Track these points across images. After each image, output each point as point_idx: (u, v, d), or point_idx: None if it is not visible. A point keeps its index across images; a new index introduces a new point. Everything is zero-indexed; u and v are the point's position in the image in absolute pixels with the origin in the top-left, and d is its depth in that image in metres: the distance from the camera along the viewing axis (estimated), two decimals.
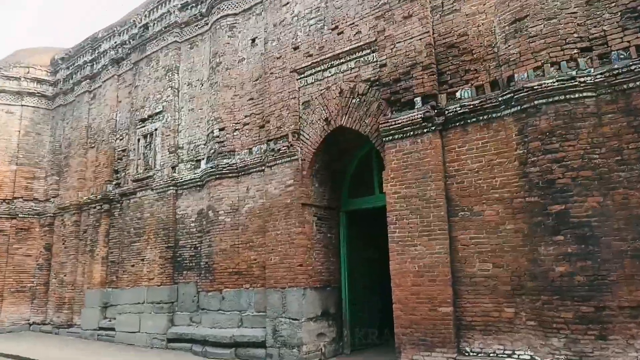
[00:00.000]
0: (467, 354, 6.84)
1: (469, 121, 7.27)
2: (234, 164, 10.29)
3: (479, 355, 6.74)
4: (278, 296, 8.97)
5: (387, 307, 11.48)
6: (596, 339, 5.76)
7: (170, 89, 12.17)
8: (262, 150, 9.95)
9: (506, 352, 6.54)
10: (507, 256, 6.69)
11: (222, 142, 10.51)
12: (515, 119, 6.79)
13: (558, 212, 6.18)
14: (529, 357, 6.32)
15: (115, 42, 14.52)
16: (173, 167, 11.78)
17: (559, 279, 6.08)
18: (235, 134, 10.49)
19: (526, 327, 6.42)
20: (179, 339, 10.73)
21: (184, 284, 11.14)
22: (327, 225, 9.55)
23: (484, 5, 7.36)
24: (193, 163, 11.50)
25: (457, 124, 7.38)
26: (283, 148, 9.32)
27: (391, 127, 7.82)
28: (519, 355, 6.43)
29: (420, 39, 7.75)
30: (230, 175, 10.30)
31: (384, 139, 7.96)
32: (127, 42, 13.95)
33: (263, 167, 9.83)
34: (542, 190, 6.35)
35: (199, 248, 10.89)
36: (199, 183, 11.18)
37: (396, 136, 7.81)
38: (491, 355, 6.64)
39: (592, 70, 6.32)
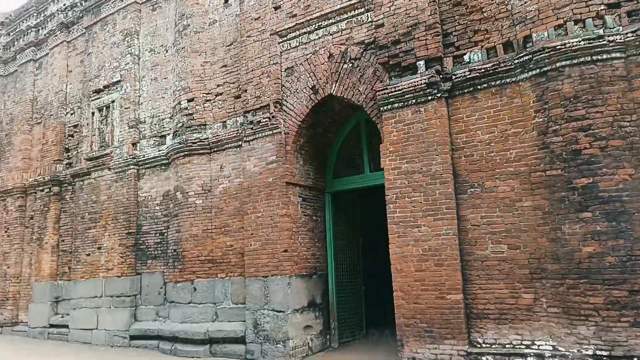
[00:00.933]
0: (479, 345, 6.16)
1: (479, 87, 6.50)
2: (205, 139, 9.16)
3: (493, 346, 6.06)
4: (259, 286, 8.02)
5: (377, 295, 10.82)
6: (630, 326, 5.17)
7: (129, 55, 10.80)
8: (239, 123, 8.87)
9: (524, 342, 5.89)
10: (524, 236, 6.01)
11: (191, 114, 9.33)
12: (533, 83, 6.07)
13: (585, 186, 5.53)
14: (550, 348, 5.69)
15: (64, 5, 12.89)
16: (134, 144, 10.49)
17: (586, 260, 5.44)
18: (206, 105, 9.34)
19: (548, 314, 5.78)
20: (143, 336, 9.59)
21: (149, 274, 9.97)
22: (312, 208, 8.63)
23: None
24: (157, 139, 10.26)
25: (466, 90, 6.60)
26: (263, 120, 8.28)
27: (390, 94, 6.96)
28: (539, 346, 5.79)
29: None
30: (201, 151, 9.17)
31: (381, 108, 7.09)
32: (79, 4, 12.38)
33: (240, 142, 8.77)
34: (566, 162, 5.68)
35: (166, 234, 9.73)
36: (164, 161, 9.97)
37: (396, 105, 6.96)
38: (507, 346, 5.97)
39: (620, 28, 5.66)
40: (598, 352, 5.29)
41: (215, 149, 9.16)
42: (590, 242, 5.44)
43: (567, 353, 5.51)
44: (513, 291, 6.01)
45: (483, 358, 5.98)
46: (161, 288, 9.72)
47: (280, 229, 7.92)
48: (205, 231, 8.97)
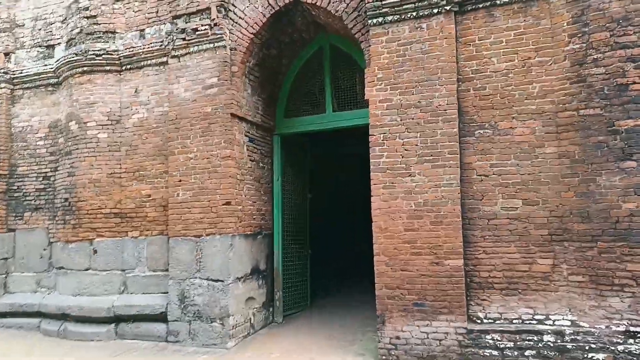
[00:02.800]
0: (479, 321, 5.03)
1: (497, 2, 5.16)
2: (114, 51, 6.82)
3: (497, 322, 4.97)
4: (189, 248, 6.12)
5: (326, 260, 9.43)
6: None
7: None
8: (163, 33, 6.66)
9: (537, 317, 4.86)
10: (544, 190, 4.90)
11: (94, 17, 6.86)
12: (568, 0, 4.87)
13: (630, 130, 4.50)
14: (568, 323, 4.72)
15: None
16: (6, 55, 7.66)
17: (626, 219, 4.47)
18: (116, 6, 6.92)
19: (568, 283, 4.77)
20: (17, 313, 7.20)
21: (26, 231, 7.47)
22: (259, 152, 6.84)
23: None
24: (42, 49, 7.56)
25: (480, 5, 5.21)
26: (202, 29, 6.20)
27: (383, 3, 5.35)
28: (554, 320, 4.79)
29: None
30: (107, 68, 6.83)
31: (370, 21, 5.46)
32: None
33: (164, 59, 6.60)
34: (608, 100, 4.60)
35: (53, 178, 7.29)
36: (52, 80, 7.39)
37: (389, 17, 5.38)
38: (515, 322, 4.91)
39: None
40: (632, 329, 4.40)
41: (129, 66, 6.86)
42: (633, 198, 4.45)
43: (592, 329, 4.56)
44: (527, 256, 4.92)
45: (487, 337, 4.86)
46: (45, 250, 7.32)
47: (222, 175, 6.05)
48: (111, 175, 6.75)
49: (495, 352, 4.81)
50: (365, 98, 5.53)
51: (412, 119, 5.25)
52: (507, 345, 4.78)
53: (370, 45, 5.51)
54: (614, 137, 4.56)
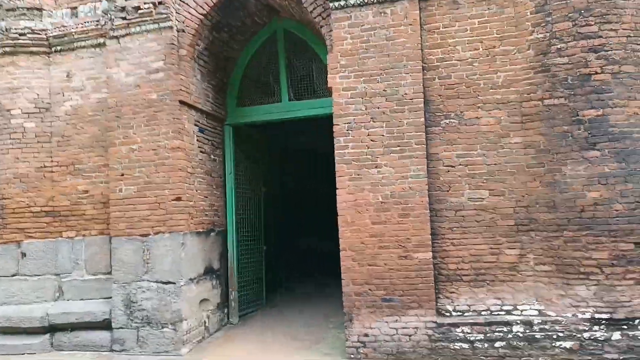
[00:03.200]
0: (448, 314, 4.94)
1: None
2: (41, 30, 6.04)
3: (466, 314, 4.90)
4: (135, 248, 5.57)
5: (280, 257, 9.03)
6: (636, 284, 4.42)
7: None
8: (100, 11, 5.97)
9: (504, 307, 4.84)
10: (510, 180, 4.88)
11: None
12: None
13: (593, 120, 4.55)
14: (536, 313, 4.74)
15: None
16: None
17: (591, 208, 4.52)
18: None
19: (535, 273, 4.79)
20: None
21: None
22: (210, 143, 6.35)
23: None
24: None
25: None
26: (145, 7, 5.60)
27: None
28: (522, 310, 4.79)
29: None
30: (34, 49, 6.05)
31: (331, 3, 5.16)
32: None
33: (102, 40, 5.93)
34: (572, 90, 4.62)
35: None
36: None
37: (351, 1, 5.11)
38: (483, 313, 4.86)
39: None
40: (597, 316, 4.47)
41: (59, 48, 6.11)
42: (596, 187, 4.51)
43: (559, 318, 4.59)
44: (494, 247, 4.88)
45: (457, 330, 4.78)
46: None
47: (171, 168, 5.53)
48: (41, 169, 6.01)
49: (465, 345, 4.74)
50: (327, 86, 5.24)
51: (378, 108, 5.03)
52: (477, 338, 4.72)
53: (332, 30, 5.22)
54: (578, 126, 4.59)
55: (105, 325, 5.64)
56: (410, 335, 4.85)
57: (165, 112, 5.55)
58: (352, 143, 5.07)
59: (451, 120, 5.03)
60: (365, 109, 5.06)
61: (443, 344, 4.78)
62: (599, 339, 4.45)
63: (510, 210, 4.86)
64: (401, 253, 4.90)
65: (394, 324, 4.88)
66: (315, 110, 6.38)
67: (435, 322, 4.80)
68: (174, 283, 5.44)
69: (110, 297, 5.65)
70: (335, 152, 5.12)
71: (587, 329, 4.49)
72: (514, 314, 4.79)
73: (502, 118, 4.92)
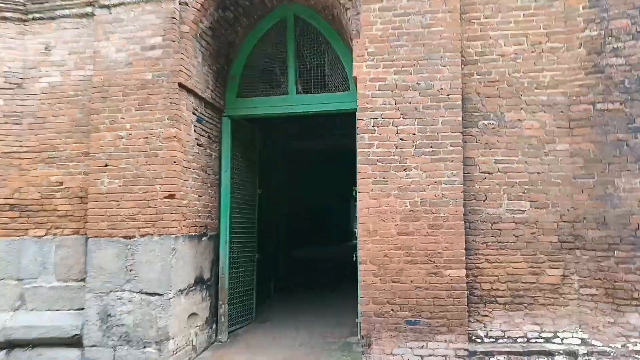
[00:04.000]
0: (479, 340, 4.35)
1: None
2: None
3: (500, 341, 4.33)
4: (116, 252, 4.76)
5: (272, 266, 8.25)
6: None
7: None
8: None
9: (543, 335, 4.29)
10: (555, 191, 4.37)
11: None
12: None
13: None
14: (578, 342, 4.21)
15: None
16: None
17: None
18: None
19: (580, 297, 4.27)
20: None
21: None
22: (207, 136, 5.62)
23: None
24: None
25: None
26: None
27: None
28: (562, 339, 4.26)
29: None
30: (7, 15, 5.19)
31: None
32: None
33: (89, 8, 5.15)
34: (628, 94, 4.16)
35: None
36: None
37: None
38: (519, 340, 4.30)
39: None
40: None
41: (38, 15, 5.27)
42: None
43: (606, 349, 4.08)
44: (534, 265, 4.34)
45: (492, 359, 4.19)
46: None
47: (164, 160, 4.77)
48: (7, 155, 5.13)
49: None
50: (353, 75, 4.63)
51: (409, 103, 4.44)
52: None
53: (359, 14, 4.62)
54: (634, 135, 4.12)
55: (75, 342, 4.79)
56: None
57: (161, 96, 4.80)
58: (378, 141, 4.46)
59: (490, 121, 4.49)
60: (395, 104, 4.46)
61: None
62: None
63: (554, 225, 4.34)
64: (431, 269, 4.29)
65: (419, 351, 4.25)
66: (326, 105, 5.76)
67: (467, 350, 4.20)
68: (161, 295, 4.65)
69: (83, 309, 4.80)
70: (358, 150, 4.49)
71: None
72: (554, 342, 4.25)
73: (547, 122, 4.42)
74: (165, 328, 4.61)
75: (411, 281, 4.30)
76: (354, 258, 6.65)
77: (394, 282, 4.33)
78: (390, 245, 4.35)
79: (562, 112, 4.39)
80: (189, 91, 5.07)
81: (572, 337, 4.23)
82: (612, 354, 4.04)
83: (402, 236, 4.35)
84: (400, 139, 4.43)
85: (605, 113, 4.22)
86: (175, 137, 4.78)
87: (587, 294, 4.23)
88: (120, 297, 4.71)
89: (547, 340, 4.27)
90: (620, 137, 4.15)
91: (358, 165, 4.48)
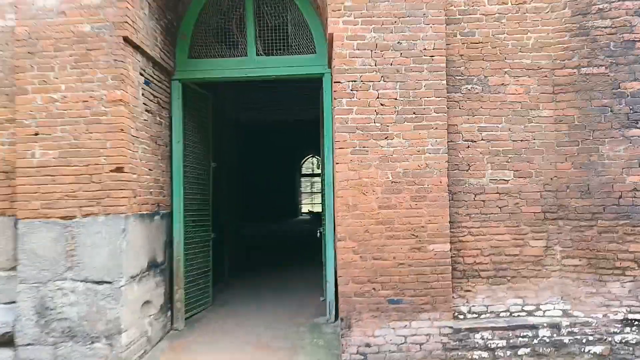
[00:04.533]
0: (462, 316, 4.16)
1: None
2: None
3: (483, 315, 4.17)
4: (54, 235, 4.06)
5: (225, 245, 7.65)
6: None
7: None
8: None
9: (526, 307, 4.18)
10: (538, 159, 4.20)
11: None
12: None
13: (636, 93, 4.00)
14: (560, 313, 4.14)
15: None
16: None
17: (630, 194, 3.98)
18: None
19: (562, 268, 4.17)
20: None
21: None
22: (157, 101, 4.93)
23: None
24: None
25: None
26: None
27: None
28: (545, 311, 4.16)
29: None
30: None
31: None
32: None
33: None
34: (614, 58, 4.02)
35: None
36: None
37: None
38: (502, 314, 4.16)
39: None
40: (630, 316, 3.97)
41: None
42: (638, 170, 3.98)
43: (588, 319, 4.02)
44: (517, 237, 4.19)
45: (476, 336, 4.01)
46: None
47: (109, 128, 4.08)
48: None
49: (485, 354, 3.99)
50: (328, 32, 4.15)
51: (391, 64, 4.06)
52: (498, 345, 4.00)
53: None
54: (619, 100, 4.01)
55: (6, 340, 4.08)
56: (421, 344, 3.99)
57: (102, 52, 4.08)
58: (357, 107, 4.05)
59: (474, 85, 4.22)
60: (375, 65, 4.05)
61: (460, 352, 3.99)
62: (630, 342, 3.94)
63: (537, 195, 4.19)
64: (414, 244, 4.01)
65: (402, 330, 4.00)
66: (290, 69, 5.26)
67: (452, 327, 4.00)
68: (110, 282, 4.04)
69: (15, 302, 4.09)
70: (335, 116, 4.07)
71: (618, 331, 3.97)
72: (536, 315, 4.14)
73: (531, 87, 4.21)
74: (117, 320, 4.02)
75: (393, 257, 4.00)
76: (319, 234, 6.36)
77: (375, 259, 4.00)
78: (371, 220, 4.01)
79: (546, 76, 4.20)
80: (136, 48, 4.36)
81: (554, 309, 4.15)
82: (593, 324, 3.99)
83: (384, 210, 4.01)
84: (381, 104, 4.05)
85: (590, 77, 4.06)
86: (121, 100, 4.10)
87: (569, 265, 4.14)
88: (60, 288, 4.04)
89: (530, 313, 4.16)
90: (605, 103, 4.03)
91: (335, 134, 4.06)
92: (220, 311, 5.94)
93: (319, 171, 22.76)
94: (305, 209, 22.97)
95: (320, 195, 23.61)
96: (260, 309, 5.99)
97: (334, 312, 5.24)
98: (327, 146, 5.22)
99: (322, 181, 5.89)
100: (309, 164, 23.23)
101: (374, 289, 4.00)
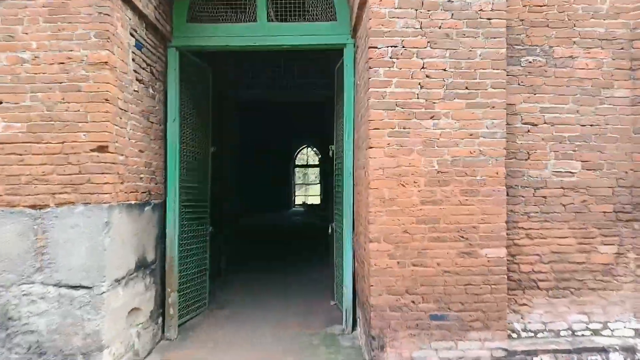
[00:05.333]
0: (516, 334, 3.47)
1: None
2: None
3: (540, 334, 3.49)
4: (19, 228, 3.28)
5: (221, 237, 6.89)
6: None
7: None
8: None
9: (591, 326, 3.50)
10: (611, 149, 3.50)
11: None
12: None
13: None
14: (632, 333, 3.47)
15: None
16: None
17: None
18: None
19: (636, 279, 3.49)
20: None
21: None
22: (149, 70, 4.14)
23: None
24: None
25: None
26: None
27: None
28: (613, 330, 3.49)
29: None
30: None
31: None
32: None
33: None
34: None
35: None
36: None
37: None
38: (562, 333, 3.48)
39: None
40: None
41: None
42: None
43: None
44: (584, 241, 3.49)
45: (535, 359, 3.32)
46: None
47: (92, 96, 3.29)
48: None
49: None
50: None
51: (439, 27, 3.31)
52: None
53: None
54: None
55: None
56: None
57: (84, 1, 3.28)
58: (398, 78, 3.31)
59: (536, 57, 3.50)
60: (420, 28, 3.31)
61: None
62: None
63: (609, 192, 3.50)
64: (463, 248, 3.29)
65: (446, 353, 3.29)
66: (307, 38, 4.53)
67: (506, 350, 3.30)
68: (89, 288, 3.28)
69: None
70: (370, 90, 3.32)
71: None
72: (604, 335, 3.47)
73: (604, 61, 3.50)
74: (97, 334, 3.27)
75: (437, 264, 3.29)
76: (330, 230, 5.64)
77: (415, 265, 3.29)
78: (411, 218, 3.29)
79: (622, 48, 3.49)
80: (126, 1, 3.56)
81: (625, 327, 3.48)
82: None
83: (427, 206, 3.29)
84: (427, 76, 3.31)
85: None
86: (106, 63, 3.31)
87: None
88: (27, 293, 3.28)
89: (596, 332, 3.48)
90: None
91: (370, 111, 3.32)
92: (218, 315, 5.20)
93: (314, 162, 22.17)
94: (298, 200, 22.27)
95: (316, 186, 22.97)
96: (263, 313, 5.25)
97: (351, 322, 4.54)
98: (347, 130, 4.49)
99: (337, 170, 5.17)
100: (303, 155, 22.50)
101: (413, 301, 3.28)
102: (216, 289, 6.08)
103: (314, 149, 20.70)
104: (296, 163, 22.12)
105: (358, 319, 4.39)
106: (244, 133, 10.72)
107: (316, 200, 21.54)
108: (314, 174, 24.55)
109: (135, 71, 3.79)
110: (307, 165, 23.27)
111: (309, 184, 26.05)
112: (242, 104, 8.99)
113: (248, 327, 4.82)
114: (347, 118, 4.51)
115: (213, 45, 4.59)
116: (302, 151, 21.70)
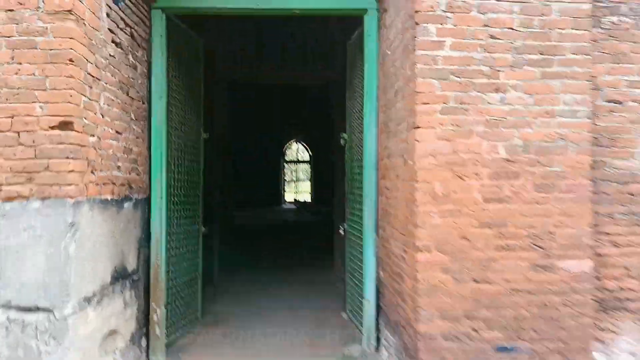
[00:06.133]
0: None
1: None
2: None
3: None
4: None
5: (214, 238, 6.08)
6: None
7: None
8: None
9: None
10: None
11: None
12: None
13: None
14: None
15: None
16: None
17: None
18: None
19: None
20: None
21: None
22: (129, 33, 3.31)
23: None
24: None
25: None
26: None
27: None
28: None
29: None
30: None
31: None
32: None
33: None
34: None
35: None
36: None
37: None
38: None
39: None
40: None
41: None
42: None
43: None
44: None
45: None
46: None
47: (51, 57, 2.47)
48: None
49: None
50: None
51: None
52: None
53: None
54: None
55: None
56: None
57: None
58: (453, 39, 2.55)
59: (621, 17, 2.78)
60: None
61: None
62: None
63: None
64: (537, 259, 2.56)
65: None
66: (321, 1, 3.73)
67: None
68: (48, 310, 2.47)
69: None
70: (417, 54, 2.55)
71: None
72: None
73: None
74: None
75: (505, 280, 2.54)
76: (342, 231, 4.88)
77: (476, 281, 2.54)
78: (471, 220, 2.54)
79: None
80: None
81: None
82: None
83: (492, 204, 2.55)
84: (490, 36, 2.56)
85: None
86: (70, 11, 2.49)
87: None
88: None
89: None
90: None
91: (417, 80, 2.55)
92: (214, 333, 4.38)
93: (305, 158, 21.28)
94: (288, 197, 21.49)
95: (305, 183, 22.12)
96: (266, 329, 4.46)
97: (374, 342, 3.79)
98: (369, 111, 3.73)
99: (353, 162, 4.42)
100: (292, 152, 21.72)
101: (474, 328, 2.54)
102: (209, 298, 5.27)
103: (304, 144, 19.90)
104: (286, 159, 21.30)
105: (381, 338, 3.66)
106: (233, 120, 9.82)
107: (307, 198, 20.77)
108: (302, 170, 23.76)
109: (110, 30, 2.97)
110: (298, 161, 22.50)
111: (298, 181, 25.28)
112: (231, 87, 8.13)
113: (250, 348, 4.04)
114: (369, 97, 3.74)
115: (206, 8, 3.77)
116: (290, 147, 20.88)
